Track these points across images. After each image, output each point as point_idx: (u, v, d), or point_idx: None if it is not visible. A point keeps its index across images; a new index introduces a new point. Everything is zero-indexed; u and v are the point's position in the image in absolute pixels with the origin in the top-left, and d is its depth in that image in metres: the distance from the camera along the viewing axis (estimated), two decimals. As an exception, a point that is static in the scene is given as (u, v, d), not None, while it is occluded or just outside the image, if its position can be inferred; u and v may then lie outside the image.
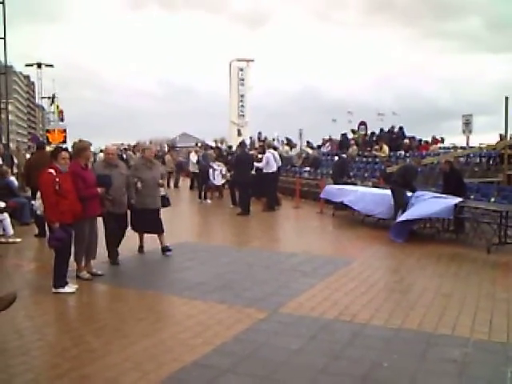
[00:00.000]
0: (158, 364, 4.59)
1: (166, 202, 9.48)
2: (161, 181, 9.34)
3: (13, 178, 13.01)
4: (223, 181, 18.68)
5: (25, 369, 4.48)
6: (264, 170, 16.00)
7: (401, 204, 11.24)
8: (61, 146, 24.16)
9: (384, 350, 4.93)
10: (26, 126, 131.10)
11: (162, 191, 9.57)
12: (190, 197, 20.68)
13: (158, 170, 9.48)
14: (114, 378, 4.36)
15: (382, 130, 25.04)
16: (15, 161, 19.48)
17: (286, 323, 5.68)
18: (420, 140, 25.00)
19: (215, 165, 18.40)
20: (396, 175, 12.33)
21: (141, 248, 9.37)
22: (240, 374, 4.44)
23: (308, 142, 27.62)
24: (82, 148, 7.64)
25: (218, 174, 18.20)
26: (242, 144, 17.55)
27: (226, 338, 5.21)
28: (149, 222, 9.03)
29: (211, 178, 18.03)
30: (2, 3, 19.39)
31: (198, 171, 19.66)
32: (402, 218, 10.66)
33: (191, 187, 22.86)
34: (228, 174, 18.40)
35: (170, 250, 9.12)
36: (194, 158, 20.70)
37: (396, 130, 24.55)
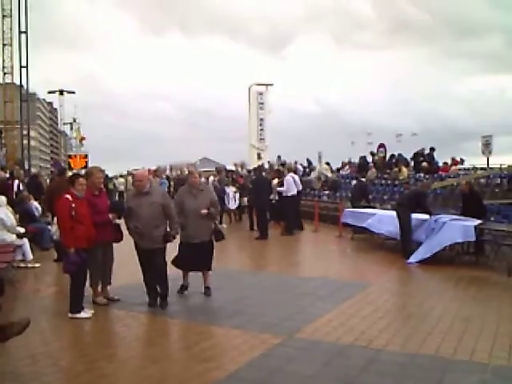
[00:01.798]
0: (171, 390, 4.57)
1: (218, 235, 8.23)
2: (210, 210, 7.91)
3: (36, 204, 13.12)
4: (236, 205, 18.75)
5: (38, 394, 4.49)
6: (284, 194, 15.99)
7: (405, 227, 11.16)
8: (78, 172, 24.52)
9: (399, 376, 4.85)
10: (48, 151, 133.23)
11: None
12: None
13: (207, 197, 8.04)
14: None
15: (400, 154, 24.79)
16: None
17: (301, 349, 5.62)
18: (437, 162, 24.70)
19: (228, 189, 18.56)
20: (402, 198, 12.29)
21: (182, 287, 8.10)
22: (252, 400, 4.39)
23: (328, 164, 27.55)
24: (87, 173, 7.76)
25: (232, 198, 18.33)
26: (259, 168, 17.59)
27: (240, 363, 5.18)
28: (191, 258, 7.85)
29: (226, 202, 18.18)
30: (25, 32, 19.92)
31: None
32: (421, 256, 10.53)
33: None
34: (245, 199, 18.47)
35: (209, 293, 8.03)
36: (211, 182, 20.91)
37: (427, 151, 23.39)
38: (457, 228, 10.27)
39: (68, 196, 6.82)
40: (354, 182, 19.67)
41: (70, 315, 6.78)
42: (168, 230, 7.40)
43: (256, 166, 18.80)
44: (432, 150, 23.09)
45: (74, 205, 6.73)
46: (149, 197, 7.22)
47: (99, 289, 7.58)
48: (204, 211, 7.77)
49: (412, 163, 23.75)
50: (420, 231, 11.03)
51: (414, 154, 23.50)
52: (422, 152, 23.28)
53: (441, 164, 23.22)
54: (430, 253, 10.43)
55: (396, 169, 21.71)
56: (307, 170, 27.44)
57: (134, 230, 7.28)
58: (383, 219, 12.55)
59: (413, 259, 10.50)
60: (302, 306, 7.40)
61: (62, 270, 7.00)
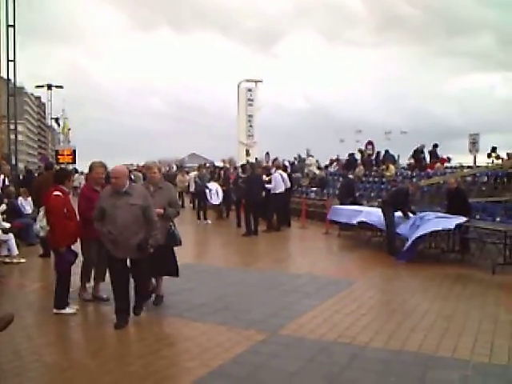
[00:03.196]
0: (154, 386, 4.58)
1: (171, 239, 7.18)
2: (167, 210, 6.97)
3: (29, 200, 12.99)
4: (219, 200, 18.80)
5: (20, 390, 4.48)
6: (271, 191, 16.01)
7: (389, 224, 11.28)
8: (66, 167, 24.36)
9: (382, 372, 4.89)
10: (36, 146, 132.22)
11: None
12: (192, 217, 20.80)
13: (165, 196, 7.13)
14: (109, 400, 4.36)
15: (387, 151, 24.90)
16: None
17: (285, 345, 5.64)
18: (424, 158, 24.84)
19: (210, 185, 18.60)
20: (387, 195, 12.40)
21: (157, 298, 7.26)
22: (235, 396, 4.41)
23: (316, 161, 27.64)
24: (89, 168, 7.57)
25: (214, 193, 18.38)
26: (252, 165, 17.56)
27: (223, 360, 5.18)
28: (155, 262, 6.72)
29: (208, 197, 18.23)
30: (13, 26, 19.75)
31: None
32: (408, 243, 10.59)
33: (194, 207, 23.35)
34: (233, 195, 18.53)
35: (159, 302, 7.23)
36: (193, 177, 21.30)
37: (430, 149, 23.40)
38: (439, 223, 10.37)
39: (59, 193, 6.69)
40: (341, 179, 19.77)
41: (54, 310, 6.75)
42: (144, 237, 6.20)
43: (246, 162, 18.74)
44: (435, 146, 23.10)
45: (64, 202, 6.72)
46: (127, 198, 6.10)
47: (87, 284, 7.54)
48: (159, 210, 6.77)
49: (412, 160, 23.73)
50: (405, 227, 11.08)
51: (414, 150, 23.55)
52: (422, 149, 23.31)
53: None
54: (411, 240, 10.52)
55: (383, 166, 21.84)
56: (296, 165, 27.50)
57: (106, 236, 6.16)
58: (371, 215, 12.60)
59: (401, 258, 10.54)
60: (287, 302, 7.42)
61: (55, 268, 6.93)
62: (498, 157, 21.95)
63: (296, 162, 29.47)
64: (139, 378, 4.72)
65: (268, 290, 8.16)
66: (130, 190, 6.20)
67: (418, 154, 23.25)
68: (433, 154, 23.13)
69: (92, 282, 7.57)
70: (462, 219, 10.38)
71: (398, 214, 11.40)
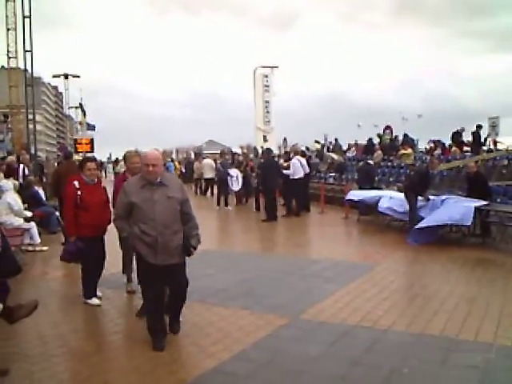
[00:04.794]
0: (177, 369, 4.63)
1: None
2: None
3: (37, 188, 13.17)
4: (239, 187, 18.88)
5: (47, 375, 4.55)
6: (290, 177, 15.99)
7: (412, 209, 11.17)
8: (89, 156, 24.54)
9: (405, 356, 4.88)
10: (55, 135, 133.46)
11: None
12: (207, 203, 20.96)
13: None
14: (134, 381, 4.43)
15: (406, 135, 24.64)
16: (45, 170, 19.91)
17: (307, 330, 5.66)
18: (444, 144, 24.54)
19: (232, 171, 18.63)
20: (408, 180, 12.29)
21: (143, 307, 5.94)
22: (258, 381, 4.44)
23: (317, 142, 27.16)
24: (123, 158, 7.23)
25: (235, 179, 18.44)
26: (268, 150, 17.56)
27: (245, 344, 5.22)
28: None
29: (230, 184, 18.29)
30: (29, 17, 19.86)
31: (213, 177, 21.18)
32: (421, 224, 10.55)
33: (204, 193, 24.04)
34: (254, 181, 18.62)
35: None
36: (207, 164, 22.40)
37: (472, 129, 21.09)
38: (458, 208, 10.28)
39: (75, 182, 6.62)
40: (360, 163, 19.67)
41: (82, 299, 6.76)
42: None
43: (265, 149, 18.73)
44: (479, 127, 21.18)
45: (79, 192, 6.53)
46: (164, 189, 5.10)
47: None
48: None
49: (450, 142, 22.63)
50: (425, 210, 11.02)
51: (453, 133, 22.36)
52: (462, 132, 22.18)
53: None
54: (426, 224, 10.50)
55: (402, 150, 21.63)
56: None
57: (140, 238, 5.09)
58: (391, 202, 12.54)
59: (413, 240, 10.51)
60: (307, 287, 7.44)
61: (60, 257, 6.93)
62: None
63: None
64: (164, 363, 4.77)
65: (288, 275, 8.18)
66: (165, 180, 5.19)
67: (457, 137, 22.05)
68: (476, 136, 20.88)
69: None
70: (482, 202, 10.28)
71: (421, 198, 11.34)
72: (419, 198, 11.30)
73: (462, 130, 22.07)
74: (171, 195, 5.09)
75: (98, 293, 6.90)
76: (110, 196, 6.84)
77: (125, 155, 7.02)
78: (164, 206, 5.03)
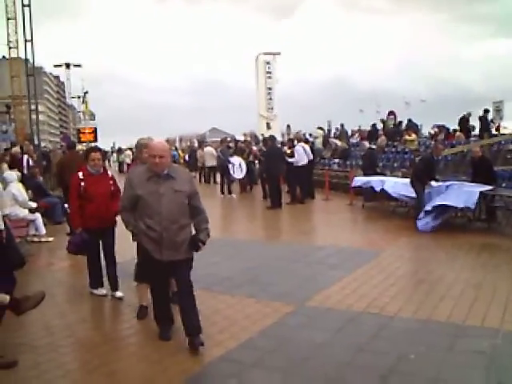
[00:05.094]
0: (184, 359, 4.64)
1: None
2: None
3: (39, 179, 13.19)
4: (243, 174, 18.83)
5: (54, 365, 4.57)
6: (294, 164, 15.96)
7: (419, 197, 11.10)
8: (95, 145, 24.54)
9: (411, 342, 4.89)
10: (58, 125, 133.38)
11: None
12: (211, 191, 20.98)
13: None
14: (142, 371, 4.45)
15: (410, 120, 24.53)
16: (52, 160, 19.91)
17: (313, 317, 5.67)
18: (448, 129, 24.35)
19: (233, 159, 18.59)
20: (414, 168, 12.23)
21: (142, 308, 5.93)
22: (265, 368, 4.45)
23: (321, 128, 26.90)
24: (136, 146, 6.38)
25: (238, 167, 18.38)
26: (271, 138, 17.51)
27: (252, 332, 5.23)
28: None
29: (231, 172, 18.27)
30: (29, 6, 19.76)
31: (215, 165, 21.50)
32: (427, 207, 10.52)
33: (206, 180, 24.39)
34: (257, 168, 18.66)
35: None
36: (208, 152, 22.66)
37: (480, 114, 20.86)
38: (462, 193, 10.25)
39: (80, 173, 6.56)
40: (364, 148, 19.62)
41: (89, 289, 6.80)
42: (194, 231, 5.11)
43: (268, 136, 18.67)
44: (486, 111, 21.06)
45: (83, 183, 6.45)
46: (171, 182, 4.86)
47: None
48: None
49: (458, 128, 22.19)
50: (431, 196, 11.00)
51: (460, 118, 22.06)
52: (469, 117, 21.82)
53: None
54: (430, 207, 10.49)
55: (406, 136, 21.55)
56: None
57: (145, 233, 4.91)
58: (395, 187, 12.51)
59: (423, 228, 10.48)
60: (313, 274, 7.45)
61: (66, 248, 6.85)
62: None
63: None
64: (170, 353, 4.78)
65: (294, 263, 8.19)
66: (173, 172, 4.92)
67: (464, 122, 21.65)
68: (484, 121, 20.62)
69: None
70: (485, 187, 10.24)
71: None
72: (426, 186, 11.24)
73: (469, 114, 21.76)
74: (178, 188, 4.84)
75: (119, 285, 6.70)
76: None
77: (137, 144, 6.22)
78: (170, 200, 4.79)
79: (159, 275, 5.07)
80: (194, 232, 5.08)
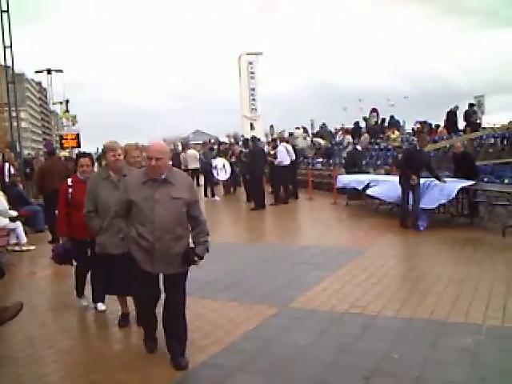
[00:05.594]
0: (167, 365, 4.57)
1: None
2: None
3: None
4: (227, 176, 18.76)
5: (34, 377, 4.49)
6: (276, 164, 15.94)
7: (404, 192, 11.04)
8: (84, 151, 24.27)
9: (395, 341, 4.88)
10: (40, 132, 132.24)
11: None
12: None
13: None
14: (123, 380, 4.38)
15: (392, 116, 24.62)
16: (34, 168, 19.69)
17: (296, 318, 5.64)
18: (430, 124, 24.39)
19: (216, 161, 18.54)
20: (402, 163, 12.23)
21: (123, 316, 5.81)
22: (249, 372, 4.41)
23: (303, 128, 26.91)
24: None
25: (221, 169, 18.33)
26: (253, 138, 17.50)
27: (235, 336, 5.19)
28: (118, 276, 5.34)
29: (214, 174, 18.21)
30: (7, 12, 19.54)
31: (198, 168, 21.06)
32: (422, 205, 10.50)
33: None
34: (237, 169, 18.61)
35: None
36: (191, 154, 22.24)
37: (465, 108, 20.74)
38: (444, 188, 10.28)
39: (69, 180, 6.32)
40: (348, 148, 19.65)
41: (75, 298, 6.59)
42: (191, 244, 4.62)
43: (250, 137, 18.63)
44: (471, 105, 21.11)
45: (71, 189, 6.20)
46: (168, 188, 4.41)
47: None
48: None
49: (444, 123, 22.07)
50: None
51: (448, 112, 21.77)
52: (456, 111, 21.61)
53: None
54: (425, 206, 10.47)
55: (389, 133, 21.61)
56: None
57: (136, 241, 4.46)
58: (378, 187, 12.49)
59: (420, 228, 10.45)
60: (297, 275, 7.42)
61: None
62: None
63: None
64: (153, 359, 4.72)
65: (277, 264, 8.16)
66: (171, 176, 4.47)
67: (451, 116, 21.26)
68: (469, 116, 20.40)
69: None
70: (467, 182, 10.28)
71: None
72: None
73: (456, 107, 21.57)
74: (176, 196, 4.38)
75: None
76: None
77: (124, 149, 5.90)
78: (166, 208, 4.34)
79: (147, 288, 4.59)
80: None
